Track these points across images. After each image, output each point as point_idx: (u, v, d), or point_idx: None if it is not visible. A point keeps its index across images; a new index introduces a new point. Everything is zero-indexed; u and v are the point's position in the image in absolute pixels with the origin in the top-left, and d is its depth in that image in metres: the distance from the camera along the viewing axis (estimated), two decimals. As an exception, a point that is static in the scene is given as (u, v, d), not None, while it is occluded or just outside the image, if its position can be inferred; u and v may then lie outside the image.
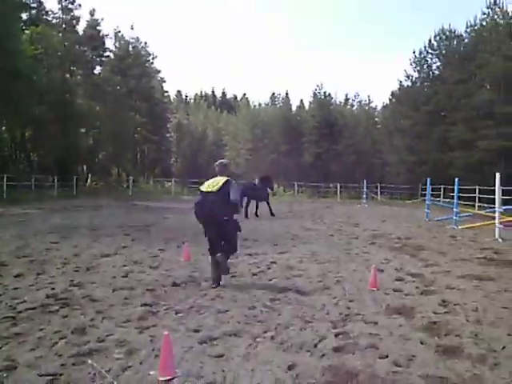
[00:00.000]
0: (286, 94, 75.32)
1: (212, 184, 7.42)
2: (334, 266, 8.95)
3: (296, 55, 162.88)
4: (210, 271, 7.39)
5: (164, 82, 62.75)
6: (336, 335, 4.99)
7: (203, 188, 7.49)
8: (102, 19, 48.37)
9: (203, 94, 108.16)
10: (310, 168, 55.99)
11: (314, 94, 63.78)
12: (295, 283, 7.46)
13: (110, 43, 51.67)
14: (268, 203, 21.03)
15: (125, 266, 8.77)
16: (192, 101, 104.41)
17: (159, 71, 59.41)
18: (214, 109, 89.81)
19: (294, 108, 72.94)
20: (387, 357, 4.42)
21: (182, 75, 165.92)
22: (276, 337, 4.93)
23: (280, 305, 6.16)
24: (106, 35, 49.05)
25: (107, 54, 50.27)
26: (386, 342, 4.82)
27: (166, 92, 68.41)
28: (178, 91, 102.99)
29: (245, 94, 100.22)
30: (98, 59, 49.01)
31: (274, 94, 77.71)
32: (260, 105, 79.33)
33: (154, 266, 8.82)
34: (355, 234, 14.74)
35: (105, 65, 50.07)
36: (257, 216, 20.18)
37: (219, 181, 7.39)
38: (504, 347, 4.71)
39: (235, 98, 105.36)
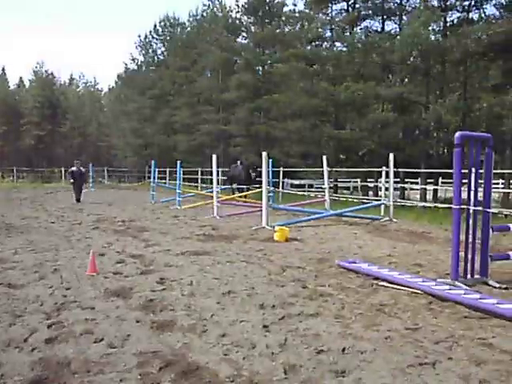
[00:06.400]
0: (3, 69, 68.51)
1: (77, 169, 20.74)
2: (53, 255, 8.50)
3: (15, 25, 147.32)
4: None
5: None
6: (49, 326, 4.74)
7: (73, 169, 20.75)
8: None
9: None
10: (32, 152, 52.82)
11: (35, 72, 59.95)
12: (7, 276, 6.85)
13: None
14: None
15: None
16: None
17: None
18: None
19: (12, 86, 67.41)
20: (102, 340, 4.38)
21: None
22: (-22, 338, 4.46)
23: (-14, 302, 5.59)
24: None
25: None
26: (102, 325, 4.77)
27: None
28: None
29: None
30: None
31: (-12, 69, 70.03)
32: (-28, 81, 71.08)
33: None
34: (78, 219, 14.32)
35: None
36: None
37: (81, 169, 21.05)
38: (212, 315, 5.11)
39: None
